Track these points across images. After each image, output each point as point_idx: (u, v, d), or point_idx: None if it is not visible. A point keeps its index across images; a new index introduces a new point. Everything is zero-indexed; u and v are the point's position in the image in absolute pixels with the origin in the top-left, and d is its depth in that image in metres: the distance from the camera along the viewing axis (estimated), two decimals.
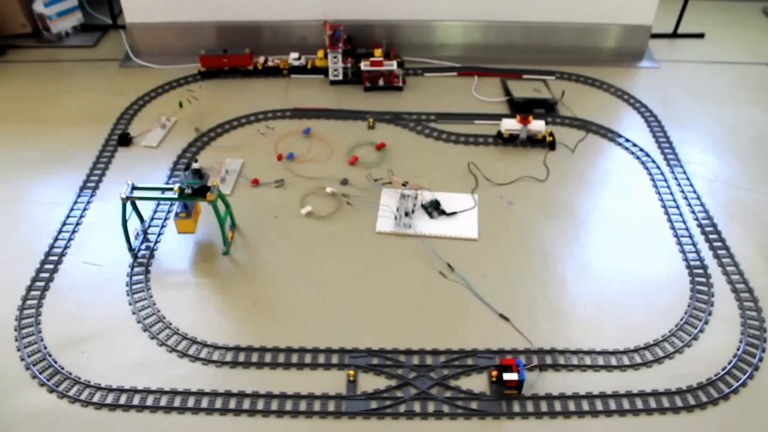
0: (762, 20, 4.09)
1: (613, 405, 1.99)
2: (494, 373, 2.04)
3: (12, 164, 2.90)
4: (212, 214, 2.41)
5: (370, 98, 3.33)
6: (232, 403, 2.00)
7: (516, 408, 1.99)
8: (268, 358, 2.12)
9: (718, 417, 1.97)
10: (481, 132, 3.09)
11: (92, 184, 2.80)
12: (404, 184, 2.70)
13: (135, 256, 2.47)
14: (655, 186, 2.81)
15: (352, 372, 2.07)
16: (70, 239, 2.54)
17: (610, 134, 3.09)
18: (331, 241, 2.54)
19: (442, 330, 2.21)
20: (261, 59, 3.46)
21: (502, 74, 3.49)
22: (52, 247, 2.51)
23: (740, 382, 2.05)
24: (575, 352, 2.14)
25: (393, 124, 3.15)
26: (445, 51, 3.64)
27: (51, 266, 2.43)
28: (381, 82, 3.37)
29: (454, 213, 2.65)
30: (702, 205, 2.71)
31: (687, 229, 2.60)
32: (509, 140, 3.02)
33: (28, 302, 2.30)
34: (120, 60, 3.62)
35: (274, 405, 1.99)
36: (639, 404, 1.99)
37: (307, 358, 2.12)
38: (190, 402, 2.00)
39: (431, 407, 1.99)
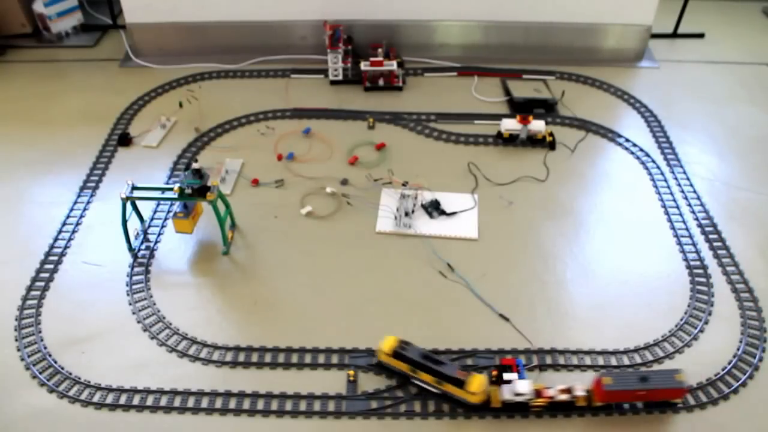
0: (762, 20, 4.09)
1: (612, 405, 1.99)
2: (494, 373, 2.04)
3: (12, 164, 2.90)
4: (212, 214, 2.41)
5: (370, 98, 3.33)
6: (232, 403, 2.00)
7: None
8: (268, 358, 2.12)
9: (718, 417, 1.98)
10: (481, 132, 3.09)
11: (92, 184, 2.80)
12: (404, 184, 2.70)
13: (135, 256, 2.47)
14: (655, 186, 2.81)
15: (352, 372, 2.07)
16: (70, 239, 2.54)
17: (610, 134, 3.09)
18: (331, 241, 2.54)
19: (442, 330, 2.21)
20: None
21: (502, 74, 3.49)
22: (52, 247, 2.51)
23: (740, 382, 2.05)
24: (575, 352, 2.14)
25: (393, 124, 3.15)
26: (445, 51, 3.63)
27: (51, 266, 2.43)
28: (381, 82, 3.37)
29: (454, 213, 2.65)
30: (702, 205, 2.71)
31: (687, 229, 2.60)
32: (509, 140, 3.02)
33: (28, 302, 2.30)
34: (120, 60, 3.62)
35: (274, 405, 1.99)
36: (639, 404, 1.99)
37: (307, 358, 2.12)
38: (190, 402, 2.00)
39: (431, 407, 1.99)
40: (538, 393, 1.95)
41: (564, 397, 1.95)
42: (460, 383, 1.94)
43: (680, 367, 2.02)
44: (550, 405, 1.96)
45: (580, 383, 1.97)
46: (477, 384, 1.93)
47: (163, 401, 2.00)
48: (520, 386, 1.94)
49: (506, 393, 1.95)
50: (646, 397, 1.95)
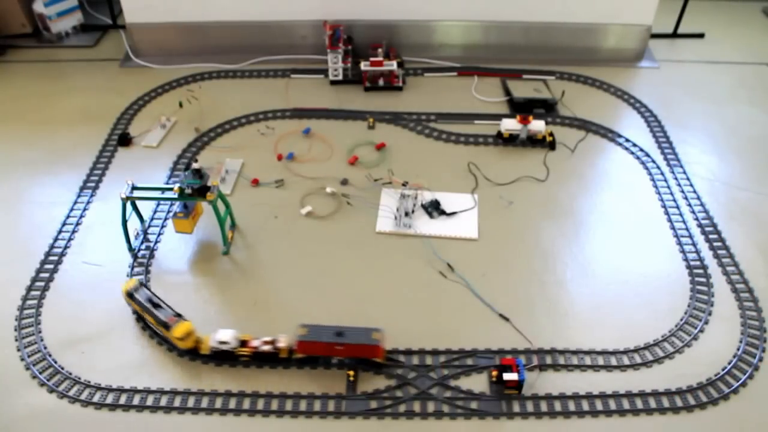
0: (762, 20, 4.09)
1: (613, 405, 1.99)
2: (494, 373, 2.04)
3: (12, 164, 2.90)
4: (212, 214, 2.41)
5: (370, 98, 3.33)
6: (232, 403, 2.00)
7: (516, 408, 1.99)
8: None
9: (718, 417, 1.98)
10: (481, 132, 3.09)
11: (92, 184, 2.80)
12: (404, 184, 2.70)
13: (135, 256, 2.47)
14: (655, 186, 2.81)
15: (352, 372, 2.07)
16: (70, 239, 2.54)
17: (610, 134, 3.09)
18: (331, 241, 2.54)
19: (442, 330, 2.21)
20: None
21: (502, 74, 3.49)
22: (52, 247, 2.51)
23: (740, 382, 2.05)
24: (575, 352, 2.14)
25: (393, 124, 3.15)
26: (445, 51, 3.63)
27: (51, 266, 2.43)
28: (381, 82, 3.37)
29: (454, 213, 2.65)
30: (702, 205, 2.71)
31: (687, 229, 2.60)
32: (509, 140, 3.02)
33: (28, 302, 2.30)
34: (120, 60, 3.62)
35: (274, 405, 1.99)
36: (639, 404, 1.99)
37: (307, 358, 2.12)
38: (190, 402, 2.00)
39: (431, 407, 1.99)
40: (243, 343, 2.08)
41: (267, 348, 2.06)
42: (167, 327, 2.07)
43: (680, 367, 2.03)
44: (254, 355, 2.08)
45: (285, 336, 2.08)
46: (180, 330, 2.06)
47: (163, 401, 2.00)
48: (222, 334, 2.07)
49: (211, 341, 2.07)
50: (344, 352, 2.02)
